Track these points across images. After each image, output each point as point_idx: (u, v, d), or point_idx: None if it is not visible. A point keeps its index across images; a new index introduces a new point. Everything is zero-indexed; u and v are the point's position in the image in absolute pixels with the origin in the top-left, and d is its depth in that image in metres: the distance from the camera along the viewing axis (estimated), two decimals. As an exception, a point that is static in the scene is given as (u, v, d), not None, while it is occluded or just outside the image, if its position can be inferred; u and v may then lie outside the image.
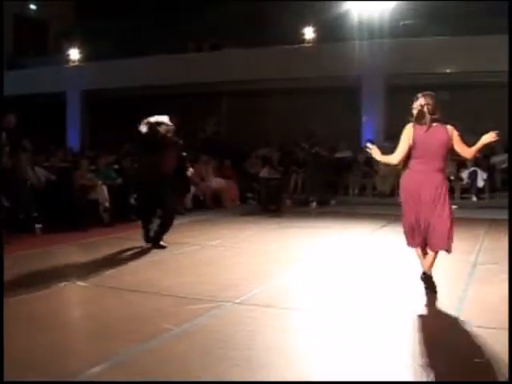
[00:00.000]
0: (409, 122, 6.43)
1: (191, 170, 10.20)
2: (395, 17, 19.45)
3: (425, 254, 6.47)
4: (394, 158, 6.52)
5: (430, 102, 6.33)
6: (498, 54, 17.08)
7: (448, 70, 18.82)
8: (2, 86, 14.48)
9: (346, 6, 19.49)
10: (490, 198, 16.27)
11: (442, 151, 6.35)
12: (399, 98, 19.07)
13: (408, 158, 6.40)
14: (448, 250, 6.31)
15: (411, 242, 6.49)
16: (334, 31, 19.94)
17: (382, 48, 18.90)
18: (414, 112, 6.40)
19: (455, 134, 6.38)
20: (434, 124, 6.30)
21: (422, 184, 6.28)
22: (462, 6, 18.19)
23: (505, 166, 17.09)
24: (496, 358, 4.34)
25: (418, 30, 19.11)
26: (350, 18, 19.64)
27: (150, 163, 9.16)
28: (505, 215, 13.22)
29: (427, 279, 6.38)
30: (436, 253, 6.34)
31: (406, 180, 6.49)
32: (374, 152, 6.72)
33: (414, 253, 6.58)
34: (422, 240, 6.37)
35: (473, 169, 16.38)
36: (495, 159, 17.35)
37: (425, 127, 6.27)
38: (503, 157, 17.27)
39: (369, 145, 6.90)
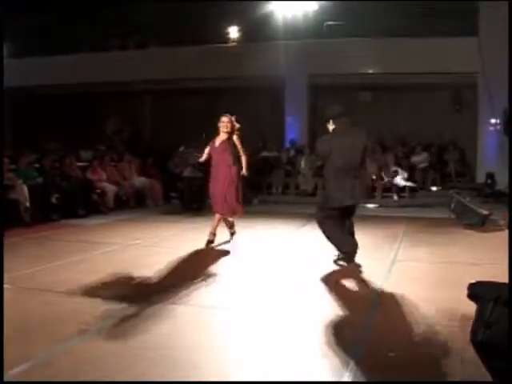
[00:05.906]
0: None
1: None
2: (319, 17, 19.62)
3: None
4: None
5: None
6: (420, 56, 17.52)
7: (371, 71, 19.14)
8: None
9: (271, 5, 19.58)
10: (409, 197, 16.59)
11: None
12: (323, 98, 19.54)
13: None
14: None
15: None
16: (258, 31, 19.98)
17: (306, 48, 19.07)
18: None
19: None
20: None
21: None
22: (384, 7, 18.53)
23: (424, 165, 17.52)
24: (412, 354, 4.45)
25: (341, 30, 19.32)
26: (275, 18, 19.74)
27: None
28: (423, 213, 13.65)
29: None
30: None
31: None
32: None
33: (331, 250, 6.71)
34: None
35: (394, 168, 16.67)
36: (415, 159, 17.78)
37: None
38: (422, 156, 17.73)
39: None
